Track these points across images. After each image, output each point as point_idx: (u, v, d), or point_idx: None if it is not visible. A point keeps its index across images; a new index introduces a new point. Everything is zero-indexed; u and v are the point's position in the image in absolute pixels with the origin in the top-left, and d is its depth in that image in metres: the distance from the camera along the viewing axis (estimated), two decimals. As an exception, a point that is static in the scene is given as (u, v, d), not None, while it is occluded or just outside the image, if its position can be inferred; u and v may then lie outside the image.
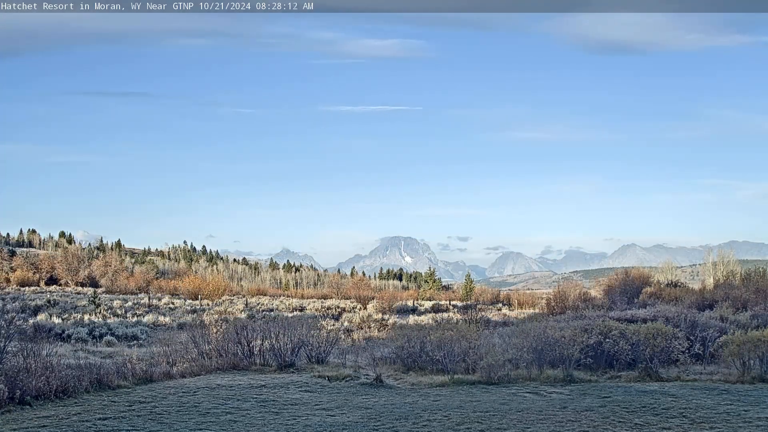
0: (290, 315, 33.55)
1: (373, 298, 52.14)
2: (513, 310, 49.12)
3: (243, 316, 34.64)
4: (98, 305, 37.36)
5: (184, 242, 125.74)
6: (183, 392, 13.46)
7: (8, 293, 49.97)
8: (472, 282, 73.51)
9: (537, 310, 43.50)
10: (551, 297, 42.45)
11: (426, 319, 33.68)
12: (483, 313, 40.16)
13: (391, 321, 33.17)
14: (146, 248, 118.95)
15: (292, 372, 16.69)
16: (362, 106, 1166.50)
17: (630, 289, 44.83)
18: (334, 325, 30.02)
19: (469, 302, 54.69)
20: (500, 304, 54.53)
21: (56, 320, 29.35)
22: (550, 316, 31.30)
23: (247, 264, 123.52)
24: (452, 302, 54.13)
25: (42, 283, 65.88)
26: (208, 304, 44.95)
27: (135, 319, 33.07)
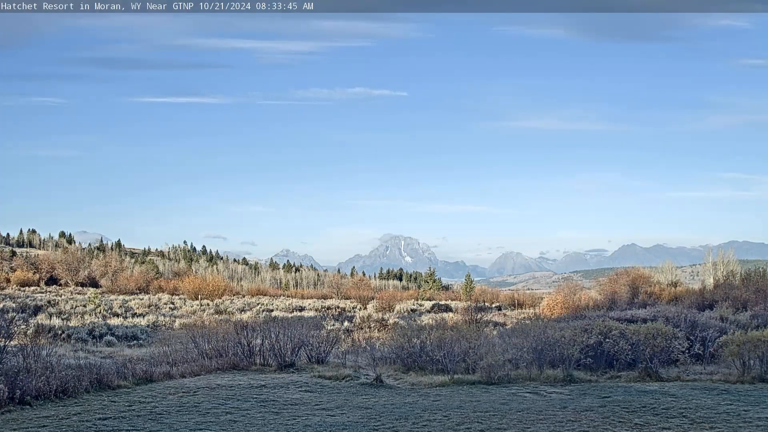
0: (290, 315, 33.56)
1: (373, 298, 52.17)
2: (513, 310, 49.12)
3: (243, 316, 34.67)
4: (98, 305, 37.37)
5: (184, 242, 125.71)
6: (183, 392, 13.46)
7: (8, 293, 49.96)
8: (472, 282, 73.51)
9: (538, 311, 43.49)
10: (552, 301, 42.33)
11: (426, 319, 33.69)
12: (483, 313, 40.16)
13: (391, 321, 33.18)
14: (146, 248, 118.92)
15: (292, 372, 16.69)
16: (339, 88, 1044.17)
17: (630, 289, 44.88)
18: (333, 325, 30.03)
19: (469, 302, 54.71)
20: (500, 305, 54.53)
21: (56, 320, 29.37)
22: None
23: (247, 264, 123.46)
24: (452, 302, 54.13)
25: (42, 283, 65.90)
26: (208, 304, 44.95)
27: (135, 319, 33.09)
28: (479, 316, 35.59)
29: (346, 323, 32.78)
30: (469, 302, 52.43)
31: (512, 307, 52.03)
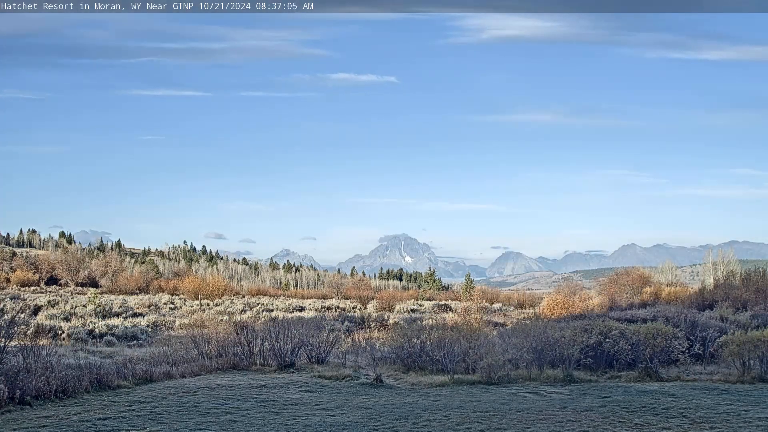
0: (290, 315, 33.54)
1: (373, 299, 52.14)
2: (513, 310, 49.12)
3: (243, 316, 34.68)
4: (98, 305, 37.35)
5: (184, 242, 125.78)
6: (183, 392, 13.46)
7: (8, 293, 49.95)
8: (472, 282, 73.42)
9: (538, 311, 43.46)
10: (552, 301, 42.20)
11: (426, 318, 33.66)
12: (483, 313, 40.13)
13: (391, 321, 33.18)
14: (146, 248, 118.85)
15: (292, 372, 16.69)
16: (321, 74, 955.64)
17: (630, 289, 44.89)
18: (334, 325, 30.00)
19: (469, 302, 54.68)
20: (500, 305, 54.53)
21: (56, 320, 29.35)
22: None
23: (247, 264, 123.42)
24: (452, 302, 54.11)
25: (42, 283, 65.85)
26: (208, 304, 44.95)
27: (135, 319, 33.07)
28: (479, 316, 35.57)
29: (346, 323, 32.77)
30: (469, 302, 52.46)
31: (512, 307, 52.01)
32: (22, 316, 30.66)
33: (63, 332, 25.66)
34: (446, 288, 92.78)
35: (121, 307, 38.50)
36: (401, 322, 28.42)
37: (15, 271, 66.71)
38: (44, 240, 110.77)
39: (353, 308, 46.38)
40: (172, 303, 46.02)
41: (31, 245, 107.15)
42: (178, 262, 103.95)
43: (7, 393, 11.71)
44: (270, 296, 62.02)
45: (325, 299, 57.34)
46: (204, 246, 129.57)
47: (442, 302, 52.87)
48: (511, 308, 51.05)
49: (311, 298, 61.21)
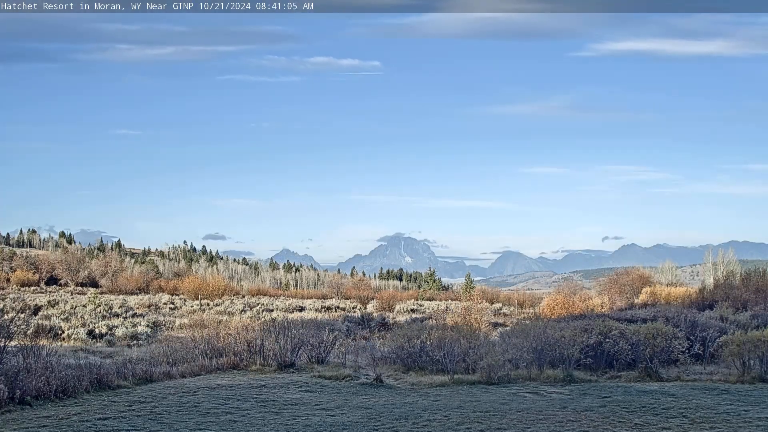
0: (290, 315, 33.53)
1: (372, 298, 52.14)
2: (513, 310, 49.11)
3: (243, 316, 34.68)
4: (98, 305, 37.34)
5: (184, 242, 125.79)
6: (183, 392, 13.46)
7: (8, 293, 49.93)
8: (472, 282, 73.38)
9: (538, 311, 43.43)
10: (552, 301, 42.11)
11: (428, 319, 33.65)
12: (483, 313, 40.09)
13: (391, 321, 33.18)
14: (146, 248, 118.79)
15: (292, 372, 16.69)
16: (298, 57, 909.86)
17: (630, 289, 44.90)
18: (333, 325, 29.99)
19: (469, 302, 54.60)
20: (500, 305, 54.50)
21: (56, 320, 29.35)
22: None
23: (247, 264, 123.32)
24: (452, 302, 54.09)
25: (42, 283, 65.83)
26: (208, 305, 44.95)
27: (135, 319, 33.07)
28: (479, 316, 35.54)
29: (346, 323, 32.76)
30: (469, 302, 52.39)
31: (512, 307, 51.99)
32: (22, 316, 30.64)
33: (63, 332, 25.67)
34: (446, 288, 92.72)
35: (121, 307, 38.49)
36: (403, 323, 28.43)
37: (15, 271, 66.65)
38: (44, 240, 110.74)
39: (353, 308, 46.39)
40: (172, 303, 46.03)
41: (31, 245, 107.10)
42: (178, 262, 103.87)
43: (7, 393, 11.71)
44: (270, 296, 62.00)
45: (325, 299, 57.33)
46: (204, 246, 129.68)
47: (443, 302, 52.88)
48: (511, 308, 51.03)
49: (311, 298, 61.19)
